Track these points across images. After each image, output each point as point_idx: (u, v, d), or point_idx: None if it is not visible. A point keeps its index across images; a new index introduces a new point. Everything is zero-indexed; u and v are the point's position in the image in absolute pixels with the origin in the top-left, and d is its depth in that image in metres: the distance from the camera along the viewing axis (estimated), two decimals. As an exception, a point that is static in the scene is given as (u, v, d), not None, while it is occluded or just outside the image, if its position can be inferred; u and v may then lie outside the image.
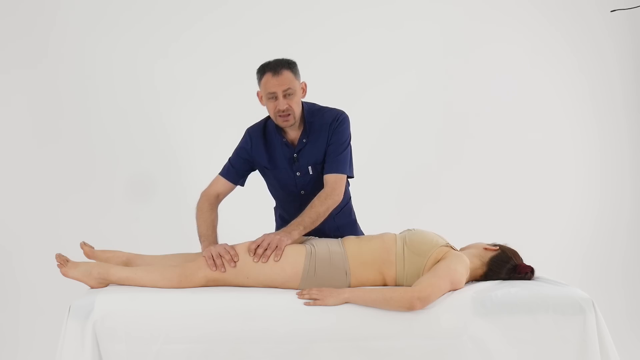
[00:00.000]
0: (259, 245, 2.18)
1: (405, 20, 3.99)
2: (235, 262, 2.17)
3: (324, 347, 1.99)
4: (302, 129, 2.49)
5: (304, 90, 2.48)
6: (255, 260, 2.16)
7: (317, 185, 2.50)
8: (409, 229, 2.34)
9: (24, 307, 3.59)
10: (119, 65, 3.83)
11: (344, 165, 2.46)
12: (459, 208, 3.94)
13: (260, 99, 2.46)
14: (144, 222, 3.77)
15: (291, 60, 2.41)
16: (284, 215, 2.69)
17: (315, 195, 2.46)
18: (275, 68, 2.36)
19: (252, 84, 3.86)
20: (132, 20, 3.85)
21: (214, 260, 2.16)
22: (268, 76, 2.36)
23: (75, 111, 3.79)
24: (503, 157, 4.02)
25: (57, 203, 3.73)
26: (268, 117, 2.55)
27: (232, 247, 2.23)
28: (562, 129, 4.08)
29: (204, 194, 2.54)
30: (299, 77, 2.43)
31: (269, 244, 2.17)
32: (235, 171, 2.57)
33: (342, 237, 2.37)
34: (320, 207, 2.35)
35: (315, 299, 2.04)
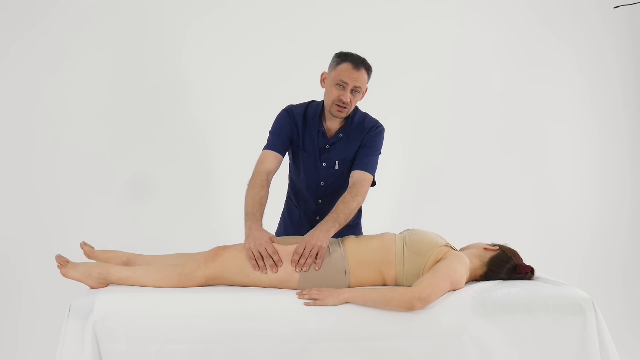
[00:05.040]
0: (301, 255, 2.16)
1: (406, 21, 3.99)
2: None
3: (324, 347, 1.99)
4: (342, 124, 2.55)
5: (363, 95, 2.52)
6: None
7: (338, 181, 2.55)
8: (408, 229, 2.34)
9: (24, 308, 3.59)
10: (117, 66, 3.83)
11: (373, 168, 2.50)
12: (458, 208, 3.95)
13: (323, 80, 2.50)
14: (144, 222, 3.77)
15: (370, 65, 2.47)
16: (298, 207, 2.71)
17: (333, 190, 2.52)
18: (358, 63, 2.41)
19: (254, 84, 3.82)
20: (129, 20, 3.85)
21: (256, 260, 2.16)
22: (348, 65, 2.41)
23: (74, 111, 3.78)
24: (503, 156, 4.02)
25: (57, 203, 3.73)
26: (309, 103, 2.60)
27: (275, 250, 2.18)
28: (561, 129, 4.08)
29: (255, 172, 2.46)
30: (368, 82, 2.49)
31: (309, 252, 2.16)
32: (281, 142, 2.53)
33: (342, 236, 2.37)
34: (352, 203, 2.35)
35: (315, 299, 2.04)
